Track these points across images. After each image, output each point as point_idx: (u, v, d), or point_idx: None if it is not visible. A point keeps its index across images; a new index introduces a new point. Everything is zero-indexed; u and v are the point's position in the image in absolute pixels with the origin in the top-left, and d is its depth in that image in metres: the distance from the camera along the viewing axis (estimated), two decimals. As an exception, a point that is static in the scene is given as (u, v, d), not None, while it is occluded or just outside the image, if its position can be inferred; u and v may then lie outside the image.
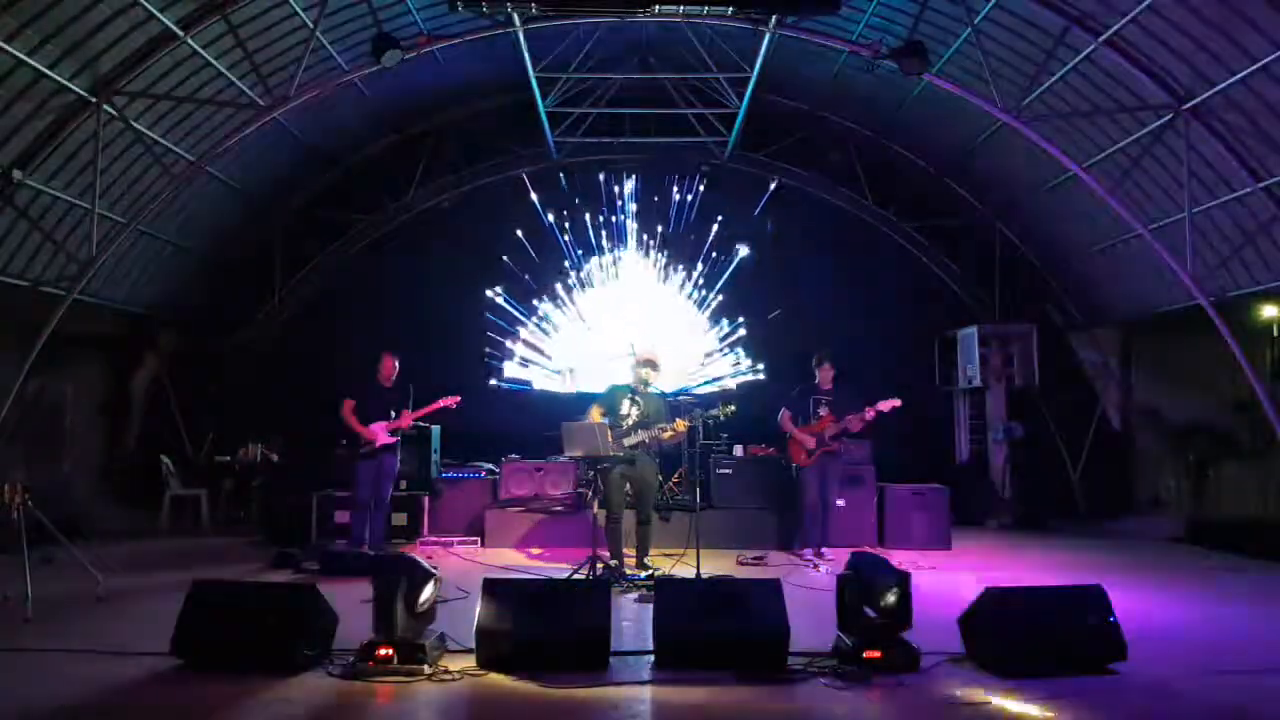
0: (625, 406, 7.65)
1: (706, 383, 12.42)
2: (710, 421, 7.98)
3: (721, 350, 12.64)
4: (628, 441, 7.51)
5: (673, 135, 12.47)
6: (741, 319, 12.58)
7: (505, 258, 12.64)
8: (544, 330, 12.68)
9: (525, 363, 12.61)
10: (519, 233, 12.66)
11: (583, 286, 12.67)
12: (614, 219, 12.79)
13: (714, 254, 12.61)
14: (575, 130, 12.21)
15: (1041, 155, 9.67)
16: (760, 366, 12.42)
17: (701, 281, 12.66)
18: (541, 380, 12.58)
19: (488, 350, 12.56)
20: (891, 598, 4.84)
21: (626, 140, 12.68)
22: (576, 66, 11.13)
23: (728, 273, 12.61)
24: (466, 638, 4.92)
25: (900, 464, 10.14)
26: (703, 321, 12.66)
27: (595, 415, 7.55)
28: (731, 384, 12.25)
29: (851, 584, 4.98)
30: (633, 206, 12.76)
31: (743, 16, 8.96)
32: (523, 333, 12.62)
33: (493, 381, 12.40)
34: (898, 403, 8.22)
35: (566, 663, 4.77)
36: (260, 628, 4.75)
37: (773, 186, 12.79)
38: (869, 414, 8.22)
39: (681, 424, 7.46)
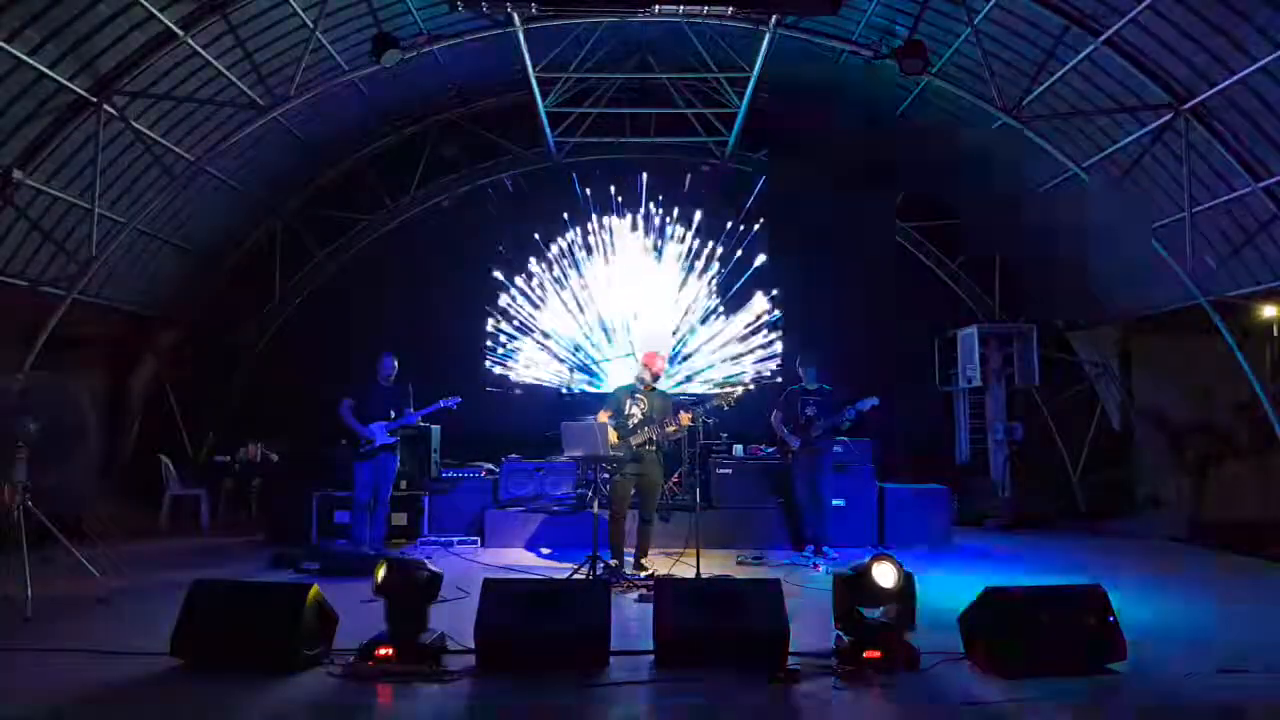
0: (629, 406, 7.67)
1: (714, 383, 12.43)
2: (716, 411, 8.00)
3: (724, 350, 12.66)
4: (634, 440, 7.53)
5: (673, 135, 12.47)
6: (743, 320, 12.60)
7: (506, 258, 12.66)
8: (544, 330, 12.68)
9: (525, 362, 12.62)
10: (519, 233, 12.67)
11: (583, 286, 12.67)
12: (614, 218, 12.79)
13: (715, 254, 12.63)
14: (575, 130, 12.21)
15: (1041, 155, 9.68)
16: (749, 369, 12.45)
17: (702, 281, 12.66)
18: (541, 380, 12.59)
19: (487, 349, 12.57)
20: (894, 599, 4.84)
21: (626, 140, 12.68)
22: (576, 66, 11.13)
23: (728, 274, 12.63)
24: (466, 638, 4.92)
25: (900, 464, 10.15)
26: (703, 321, 12.67)
27: (603, 417, 7.57)
28: (747, 386, 12.22)
29: (851, 584, 4.98)
30: (633, 206, 12.76)
31: (743, 16, 8.97)
32: (523, 332, 12.64)
33: (495, 381, 12.41)
34: (875, 401, 8.43)
35: (566, 663, 4.78)
36: (260, 628, 4.75)
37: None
38: (849, 414, 8.45)
39: (686, 417, 7.48)
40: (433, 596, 4.97)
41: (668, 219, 12.66)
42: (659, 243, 12.69)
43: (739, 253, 12.65)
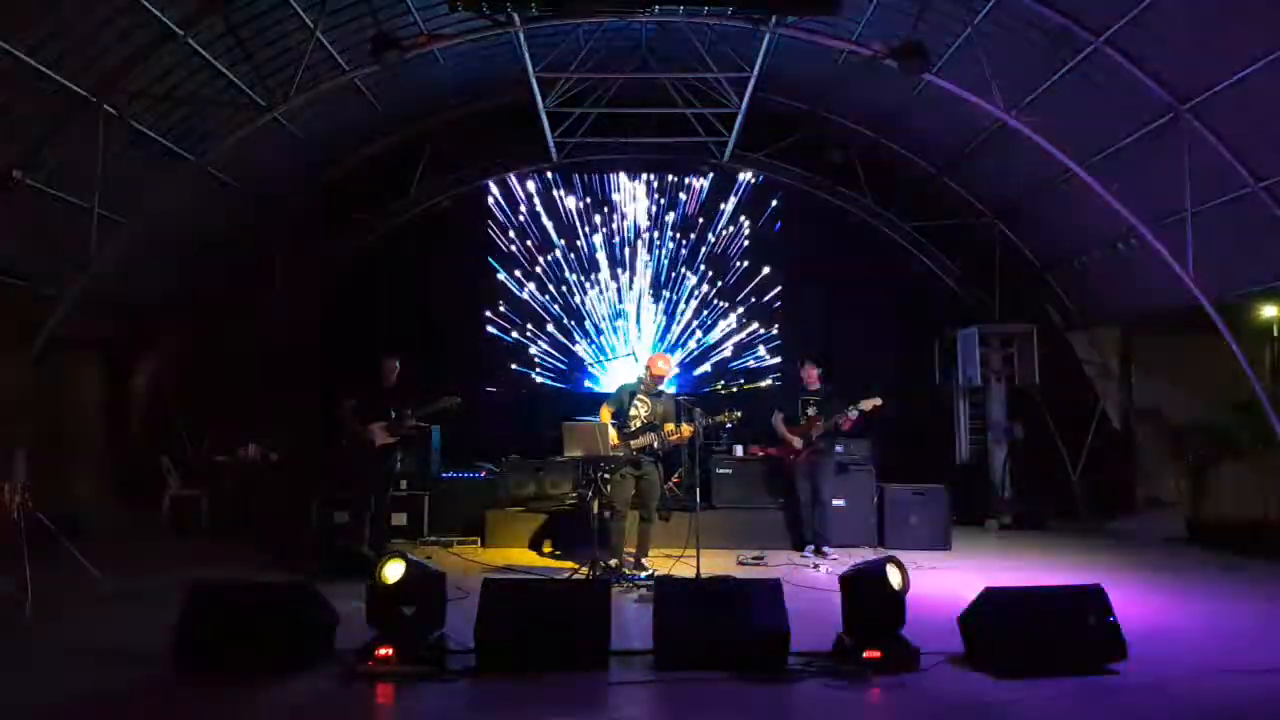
0: (634, 407, 7.65)
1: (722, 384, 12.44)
2: (720, 427, 8.05)
3: (723, 350, 12.67)
4: (635, 443, 7.51)
5: (673, 135, 12.47)
6: (743, 320, 12.61)
7: (505, 258, 12.66)
8: (544, 330, 12.69)
9: (525, 362, 12.62)
10: (519, 233, 12.66)
11: (583, 286, 12.68)
12: (614, 219, 12.80)
13: (715, 255, 12.64)
14: (575, 130, 12.20)
15: (1041, 155, 9.67)
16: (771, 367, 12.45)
17: (703, 282, 12.67)
18: (541, 379, 12.59)
19: (487, 348, 12.58)
20: (896, 599, 4.84)
21: (626, 140, 12.67)
22: (576, 66, 11.11)
23: (728, 273, 12.64)
24: (466, 638, 4.92)
25: (900, 464, 10.15)
26: (704, 322, 12.68)
27: (605, 416, 7.55)
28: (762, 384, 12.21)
29: (859, 585, 4.98)
30: (633, 206, 12.76)
31: (742, 16, 8.96)
32: (522, 332, 12.65)
33: (496, 381, 12.42)
34: (878, 401, 8.46)
35: (566, 663, 4.77)
36: (260, 628, 4.75)
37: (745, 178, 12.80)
38: (851, 414, 8.45)
39: (688, 428, 7.46)
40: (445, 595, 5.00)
41: (667, 219, 12.68)
42: (657, 243, 12.70)
43: (740, 253, 12.66)
